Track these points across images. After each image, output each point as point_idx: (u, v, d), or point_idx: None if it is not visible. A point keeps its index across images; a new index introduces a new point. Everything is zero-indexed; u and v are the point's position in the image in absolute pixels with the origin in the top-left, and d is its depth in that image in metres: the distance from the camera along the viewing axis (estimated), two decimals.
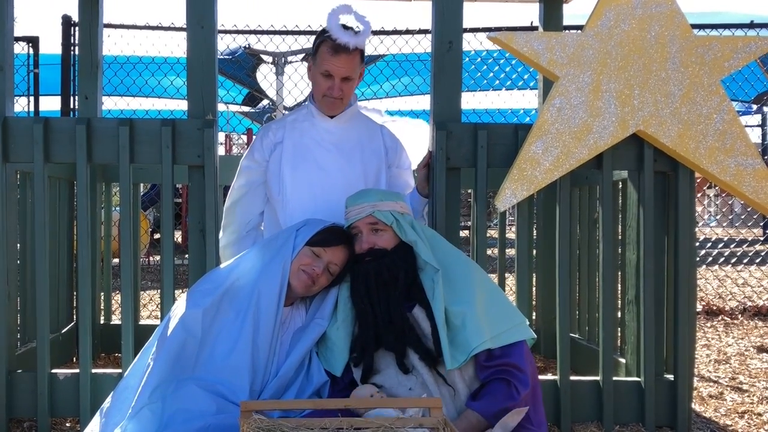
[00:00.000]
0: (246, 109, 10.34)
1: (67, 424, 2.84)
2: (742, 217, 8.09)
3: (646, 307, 2.77)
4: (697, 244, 3.35)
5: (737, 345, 4.44)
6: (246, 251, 2.50)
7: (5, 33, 2.76)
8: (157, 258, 8.74)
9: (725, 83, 2.79)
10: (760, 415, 3.01)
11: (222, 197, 2.98)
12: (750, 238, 9.94)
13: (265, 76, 8.63)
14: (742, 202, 4.42)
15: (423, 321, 2.26)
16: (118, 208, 3.10)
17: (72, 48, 5.33)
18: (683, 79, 2.67)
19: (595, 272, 3.37)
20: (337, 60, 2.63)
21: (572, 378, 2.80)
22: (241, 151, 10.61)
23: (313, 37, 3.01)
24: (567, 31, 4.22)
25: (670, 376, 2.81)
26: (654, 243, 2.79)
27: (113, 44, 5.95)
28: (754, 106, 9.28)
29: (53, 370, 2.78)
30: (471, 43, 6.19)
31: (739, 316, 5.31)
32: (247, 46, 7.47)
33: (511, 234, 5.02)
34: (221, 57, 7.22)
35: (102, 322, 3.99)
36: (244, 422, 1.84)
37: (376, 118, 3.01)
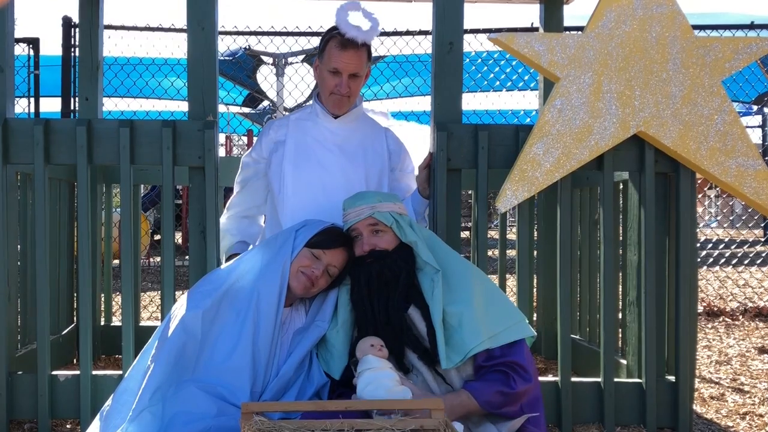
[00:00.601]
0: (246, 110, 10.35)
1: (68, 426, 2.83)
2: (743, 218, 8.08)
3: (647, 308, 2.77)
4: (698, 245, 3.34)
5: (738, 346, 4.43)
6: (245, 252, 2.51)
7: (6, 34, 2.76)
8: (158, 259, 8.73)
9: (726, 84, 2.79)
10: (761, 416, 3.01)
11: (223, 198, 2.98)
12: (751, 239, 9.94)
13: (265, 77, 8.64)
14: (742, 203, 4.41)
15: (419, 322, 2.26)
16: (118, 210, 3.11)
17: (72, 49, 5.33)
18: (684, 80, 2.67)
19: (596, 273, 3.37)
20: (345, 55, 2.64)
21: (573, 379, 2.79)
22: (242, 153, 10.61)
23: (313, 38, 3.03)
24: (567, 32, 4.22)
25: (672, 378, 2.81)
26: (655, 244, 2.79)
27: (114, 45, 5.96)
28: (755, 107, 9.28)
29: (54, 372, 2.78)
30: (471, 44, 6.19)
31: (740, 317, 5.30)
32: (247, 47, 7.47)
33: (511, 235, 5.02)
34: (221, 58, 7.22)
35: (102, 323, 3.99)
36: (244, 424, 1.84)
37: (381, 121, 3.01)
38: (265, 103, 9.73)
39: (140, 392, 2.13)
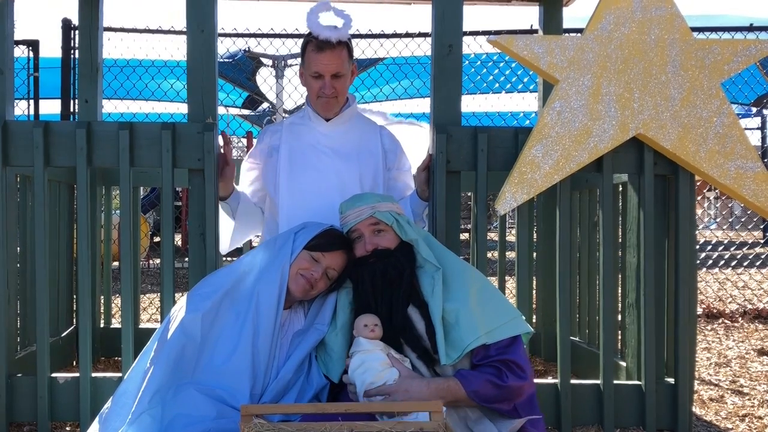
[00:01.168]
0: (246, 112, 10.35)
1: (67, 429, 2.83)
2: (742, 219, 8.08)
3: (646, 310, 2.77)
4: (697, 247, 3.34)
5: (738, 348, 4.43)
6: (245, 255, 2.51)
7: (5, 36, 2.76)
8: (157, 261, 8.73)
9: (725, 86, 2.79)
10: (760, 418, 3.01)
11: None
12: (750, 241, 9.94)
13: (264, 79, 8.66)
14: (742, 204, 4.42)
15: (418, 321, 2.26)
16: (118, 212, 3.11)
17: (72, 51, 5.33)
18: (683, 83, 2.67)
19: (595, 275, 3.37)
20: (323, 57, 2.66)
21: (573, 381, 2.79)
22: (241, 155, 10.60)
23: None
24: (567, 34, 4.22)
25: (671, 380, 2.81)
26: (654, 246, 2.79)
27: (113, 47, 5.98)
28: (754, 109, 9.29)
29: (53, 374, 2.78)
30: (471, 46, 6.20)
31: (740, 319, 5.31)
32: (247, 49, 7.47)
33: (511, 237, 5.03)
34: (221, 60, 7.23)
35: (102, 325, 3.99)
36: (244, 426, 1.84)
37: (379, 121, 3.02)
38: (265, 105, 9.74)
39: (139, 395, 2.13)
